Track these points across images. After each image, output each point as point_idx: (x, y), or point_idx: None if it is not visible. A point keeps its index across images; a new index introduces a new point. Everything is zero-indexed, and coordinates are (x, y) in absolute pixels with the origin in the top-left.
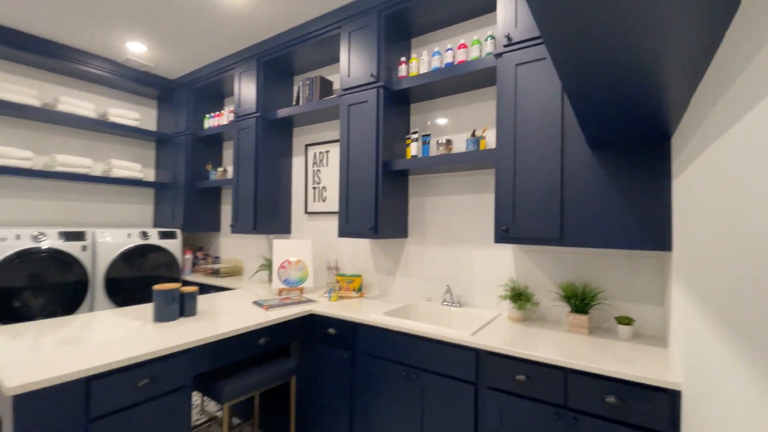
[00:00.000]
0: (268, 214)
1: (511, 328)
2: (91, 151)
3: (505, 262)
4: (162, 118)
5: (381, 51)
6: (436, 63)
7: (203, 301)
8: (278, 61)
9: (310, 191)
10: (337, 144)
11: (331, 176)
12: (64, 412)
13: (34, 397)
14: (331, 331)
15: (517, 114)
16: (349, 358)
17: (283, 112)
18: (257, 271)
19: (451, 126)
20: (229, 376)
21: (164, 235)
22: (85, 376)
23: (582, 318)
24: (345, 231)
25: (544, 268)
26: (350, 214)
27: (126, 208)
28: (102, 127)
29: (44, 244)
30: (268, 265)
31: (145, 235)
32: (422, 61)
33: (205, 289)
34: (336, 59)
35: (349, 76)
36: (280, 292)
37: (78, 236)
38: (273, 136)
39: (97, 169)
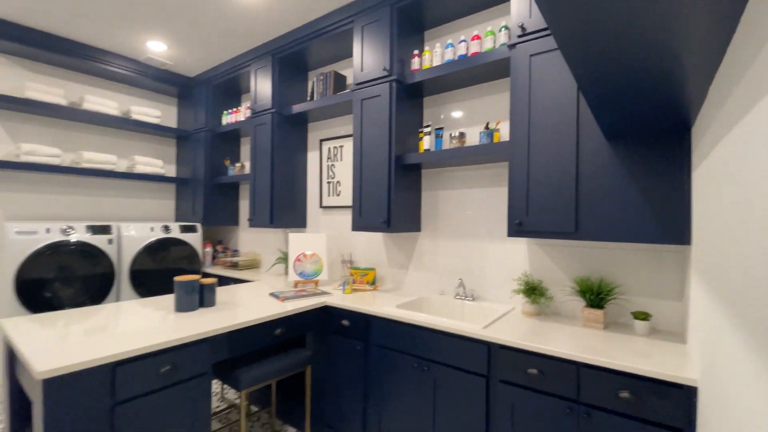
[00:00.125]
0: (284, 208)
1: (524, 323)
2: (115, 148)
3: (519, 256)
4: (182, 115)
5: (394, 44)
6: (449, 55)
7: (222, 292)
8: (293, 56)
9: (325, 186)
10: (351, 139)
11: (345, 171)
12: (91, 395)
13: (62, 381)
14: (345, 322)
15: (531, 105)
16: (362, 350)
17: (297, 108)
18: (274, 264)
19: (465, 119)
20: (247, 364)
21: (185, 229)
22: (111, 362)
23: (597, 313)
24: (358, 225)
25: (559, 262)
26: (363, 208)
27: (149, 203)
28: (125, 124)
29: (73, 238)
30: (284, 258)
31: (167, 228)
32: (435, 53)
33: (225, 281)
34: (350, 54)
35: (362, 70)
36: (295, 284)
37: (104, 230)
38: (288, 132)
39: (122, 166)
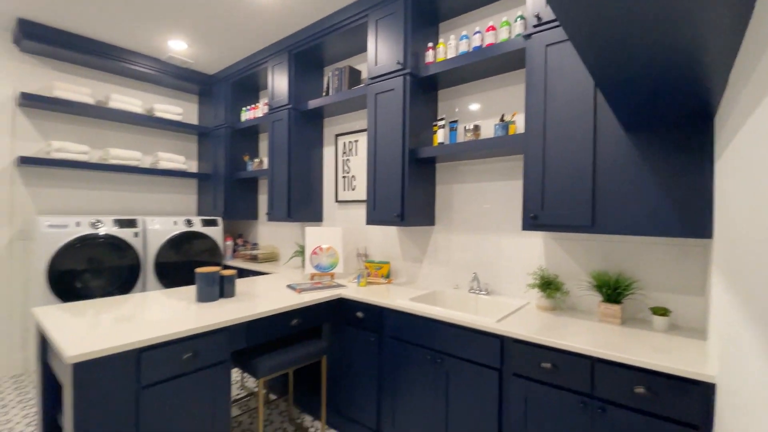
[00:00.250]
0: (301, 202)
1: (538, 317)
2: (139, 145)
3: (535, 250)
4: (203, 112)
5: (408, 38)
6: (463, 47)
7: (241, 284)
8: (308, 52)
9: (340, 180)
10: (366, 133)
11: (360, 165)
12: (118, 379)
13: (91, 365)
14: (360, 314)
15: (546, 96)
16: (376, 341)
17: (313, 103)
18: (291, 257)
19: (479, 111)
20: (265, 353)
21: (207, 223)
22: (136, 348)
23: (614, 308)
24: (372, 219)
25: (576, 256)
26: (377, 201)
27: (172, 198)
28: (149, 122)
29: (101, 231)
30: (301, 252)
31: (189, 222)
32: (449, 45)
33: (244, 273)
34: (364, 48)
35: (376, 64)
36: (312, 276)
37: (130, 223)
38: (305, 127)
39: (146, 162)
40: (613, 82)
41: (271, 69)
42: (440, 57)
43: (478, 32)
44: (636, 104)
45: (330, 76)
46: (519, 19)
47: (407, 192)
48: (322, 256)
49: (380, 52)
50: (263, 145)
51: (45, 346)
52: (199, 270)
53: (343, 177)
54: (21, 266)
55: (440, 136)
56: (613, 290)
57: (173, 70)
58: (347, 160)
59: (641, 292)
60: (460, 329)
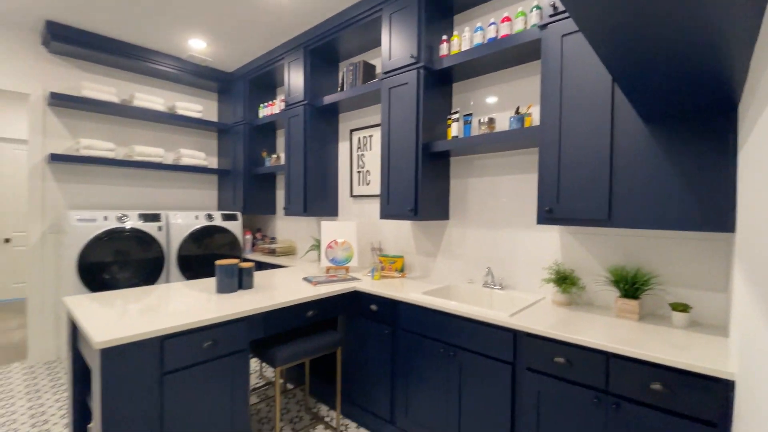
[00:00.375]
0: (317, 197)
1: (554, 312)
2: (162, 142)
3: (551, 244)
4: (222, 110)
5: (422, 31)
6: (478, 39)
7: (260, 276)
8: (323, 48)
9: (355, 175)
10: (380, 128)
11: (374, 160)
12: (142, 365)
13: (117, 350)
14: (374, 307)
15: (563, 87)
16: (390, 334)
17: (328, 99)
18: (308, 251)
19: (494, 104)
20: (282, 343)
21: (227, 218)
22: (160, 335)
23: (632, 303)
24: (386, 213)
25: (593, 250)
26: (391, 196)
27: (193, 193)
28: (171, 119)
29: (127, 225)
30: (317, 246)
31: (210, 217)
32: (464, 38)
33: (263, 266)
34: (379, 42)
35: (390, 58)
36: (327, 270)
37: (155, 218)
38: (320, 123)
39: (168, 158)
40: (630, 74)
41: (288, 65)
42: (454, 50)
43: (493, 23)
44: (654, 95)
45: (345, 71)
46: (535, 9)
47: (420, 186)
48: (337, 249)
49: (394, 46)
50: (280, 141)
51: (75, 333)
52: (218, 262)
53: (358, 172)
54: (53, 258)
55: (454, 129)
56: (630, 285)
57: (193, 68)
58: (362, 155)
59: (660, 287)
60: (472, 323)
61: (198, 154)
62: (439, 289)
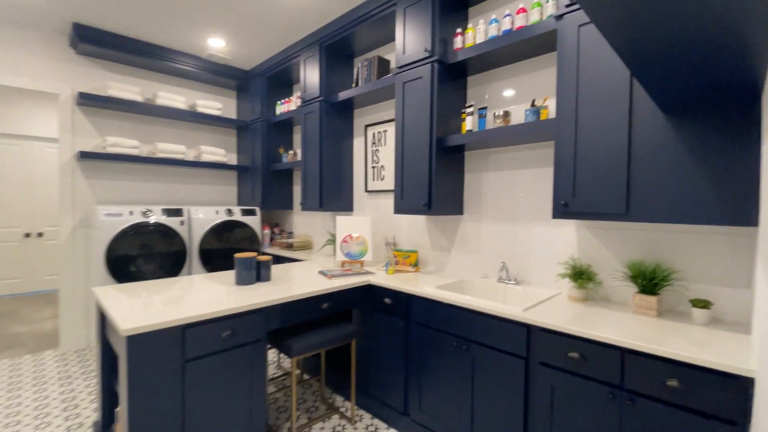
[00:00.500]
0: (333, 192)
1: (569, 307)
2: (184, 139)
3: (568, 239)
4: (240, 107)
5: (436, 24)
6: (493, 31)
7: (277, 270)
8: (338, 44)
9: (370, 170)
10: (394, 123)
11: (388, 155)
12: (166, 352)
13: (142, 338)
14: (387, 301)
15: (579, 78)
16: (403, 327)
17: (343, 95)
18: (324, 245)
19: (510, 97)
20: (298, 334)
21: (246, 213)
22: (181, 324)
23: (650, 299)
24: (400, 208)
25: (611, 245)
26: (405, 190)
27: (214, 189)
28: (192, 117)
29: (151, 219)
30: (332, 240)
31: (230, 212)
32: (479, 30)
33: (280, 260)
34: (393, 37)
35: (404, 53)
36: (342, 264)
37: (177, 213)
38: (335, 119)
39: (190, 155)
40: (646, 64)
41: (303, 62)
42: (469, 42)
43: (509, 15)
44: (673, 85)
45: (359, 66)
46: None
47: (434, 181)
48: (352, 244)
49: (408, 40)
50: (297, 138)
51: (104, 322)
52: (237, 255)
53: (372, 167)
54: (83, 251)
55: (469, 123)
56: (649, 281)
57: (213, 67)
58: (376, 150)
59: (680, 283)
60: (485, 317)
61: (218, 150)
62: (452, 284)
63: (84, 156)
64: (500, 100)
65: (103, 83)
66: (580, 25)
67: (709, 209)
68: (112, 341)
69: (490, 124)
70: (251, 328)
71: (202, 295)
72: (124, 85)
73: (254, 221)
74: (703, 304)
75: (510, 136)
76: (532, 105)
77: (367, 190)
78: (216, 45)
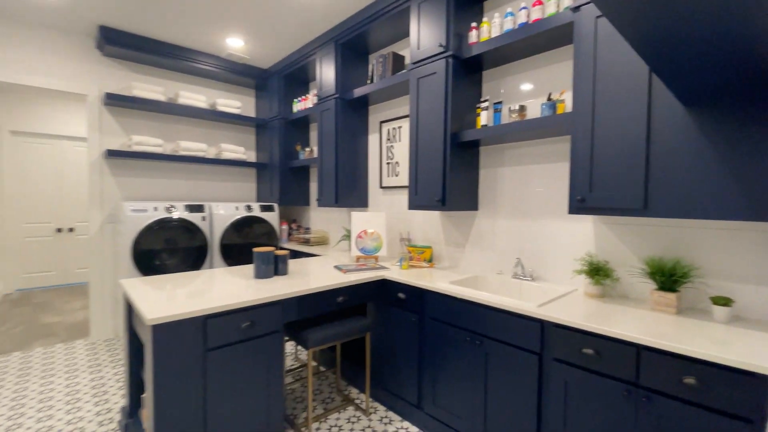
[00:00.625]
0: (348, 189)
1: (585, 304)
2: (205, 137)
3: (585, 235)
4: (259, 105)
5: (450, 19)
6: (508, 25)
7: (294, 264)
8: (354, 41)
9: (384, 167)
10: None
11: (403, 151)
12: (188, 341)
13: (167, 327)
14: (401, 295)
15: (596, 71)
16: (417, 321)
17: (358, 92)
18: (339, 241)
19: (526, 91)
20: (314, 326)
21: (264, 209)
22: (203, 315)
23: (669, 296)
24: (414, 203)
25: (629, 241)
26: (419, 186)
27: (234, 185)
28: (212, 115)
29: (175, 215)
30: (348, 236)
31: (249, 208)
32: (494, 24)
33: (297, 255)
34: (408, 33)
35: (418, 48)
36: (357, 259)
37: (199, 208)
38: (351, 116)
39: (211, 153)
40: (667, 61)
41: (319, 60)
42: (484, 36)
43: (524, 8)
44: (696, 79)
45: (374, 63)
46: None
47: (448, 176)
48: (366, 239)
49: (423, 35)
50: (314, 135)
51: (131, 313)
52: (256, 250)
53: (387, 163)
54: (111, 245)
55: (484, 118)
56: (668, 277)
57: (232, 66)
58: (391, 146)
59: (701, 280)
60: (499, 312)
61: (237, 148)
62: (466, 279)
63: (111, 154)
64: (516, 94)
65: (128, 84)
66: (597, 17)
67: (731, 204)
68: (139, 331)
69: (506, 118)
70: (269, 319)
71: (223, 288)
72: (148, 85)
73: (272, 217)
74: (724, 301)
75: (525, 130)
76: (549, 99)
77: (381, 186)
78: (235, 44)
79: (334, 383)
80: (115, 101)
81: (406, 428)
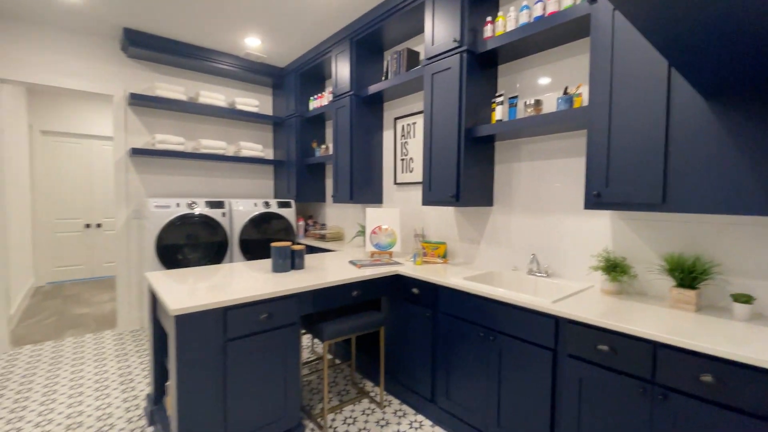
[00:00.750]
0: (363, 185)
1: (601, 300)
2: (224, 135)
3: (602, 231)
4: (276, 103)
5: (465, 13)
6: (524, 18)
7: (310, 259)
8: (368, 38)
9: (399, 163)
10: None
11: (417, 147)
12: (209, 331)
13: (189, 317)
14: (415, 290)
15: (613, 64)
16: (430, 316)
17: (373, 88)
18: (354, 237)
19: (542, 85)
20: (330, 320)
21: (282, 205)
22: (223, 306)
23: (688, 294)
24: (428, 199)
25: (648, 238)
26: (433, 182)
27: (252, 182)
28: (231, 114)
29: (196, 211)
30: (362, 232)
31: (267, 204)
32: (509, 18)
33: (314, 250)
34: (423, 29)
35: (432, 44)
36: (372, 254)
37: (219, 205)
38: (365, 113)
39: (230, 150)
40: (687, 56)
41: (335, 58)
42: (499, 31)
43: (540, 0)
44: (717, 74)
45: (389, 59)
46: None
47: (463, 172)
48: (381, 235)
49: (437, 31)
50: (329, 132)
51: (155, 304)
52: (273, 244)
53: (402, 159)
54: (136, 240)
55: (498, 113)
56: (687, 274)
57: (249, 65)
58: (405, 142)
59: (722, 277)
60: (513, 308)
61: (256, 146)
62: (480, 275)
63: (135, 152)
64: (532, 88)
65: (151, 84)
66: (615, 8)
67: (754, 199)
68: (163, 321)
69: (521, 113)
70: (286, 311)
71: (242, 281)
72: (170, 85)
73: (289, 213)
74: (745, 298)
75: (541, 125)
76: (565, 93)
77: (396, 183)
78: (252, 44)
79: (349, 376)
80: (139, 101)
81: (420, 421)
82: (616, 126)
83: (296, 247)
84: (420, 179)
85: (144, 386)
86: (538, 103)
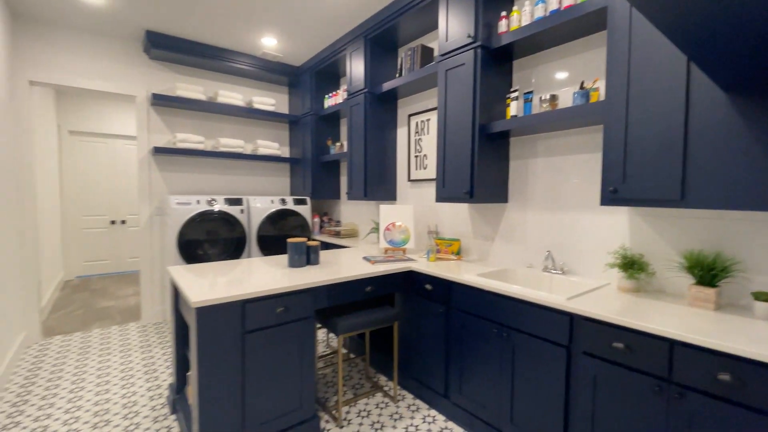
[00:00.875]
0: (377, 182)
1: (617, 298)
2: (242, 134)
3: (619, 228)
4: (292, 102)
5: (479, 9)
6: (539, 12)
7: (325, 255)
8: (383, 35)
9: (413, 160)
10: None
11: (431, 144)
12: (228, 323)
13: (209, 310)
14: (428, 287)
15: (631, 57)
16: (444, 312)
17: (387, 85)
18: (368, 233)
19: (557, 80)
20: (344, 314)
21: (298, 202)
22: (242, 299)
23: (708, 292)
24: (441, 196)
25: (666, 234)
26: (447, 179)
27: (269, 180)
28: (249, 113)
29: (215, 208)
30: (376, 228)
31: (283, 201)
32: (524, 12)
33: (328, 246)
34: (437, 25)
35: (446, 40)
36: (385, 251)
37: (237, 202)
38: (379, 110)
39: (248, 149)
40: (704, 49)
41: (349, 55)
42: (514, 25)
43: None
44: (738, 66)
45: (403, 56)
46: None
47: (477, 168)
48: (394, 232)
49: (451, 27)
50: (344, 130)
51: (177, 297)
52: (290, 240)
53: (415, 156)
54: (159, 236)
55: (513, 108)
56: (707, 272)
57: (266, 64)
58: (419, 139)
59: (743, 275)
60: (527, 305)
61: (272, 144)
62: (494, 272)
63: (157, 151)
64: (547, 83)
65: (171, 84)
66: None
67: None
68: (184, 314)
69: (536, 108)
70: (302, 305)
71: (260, 275)
72: (190, 85)
73: (305, 210)
74: (767, 297)
75: (556, 120)
76: (581, 87)
77: (410, 179)
78: (269, 43)
79: (364, 370)
80: (160, 101)
81: (433, 416)
82: (634, 120)
83: (311, 243)
84: (434, 176)
85: (167, 376)
86: (553, 98)
